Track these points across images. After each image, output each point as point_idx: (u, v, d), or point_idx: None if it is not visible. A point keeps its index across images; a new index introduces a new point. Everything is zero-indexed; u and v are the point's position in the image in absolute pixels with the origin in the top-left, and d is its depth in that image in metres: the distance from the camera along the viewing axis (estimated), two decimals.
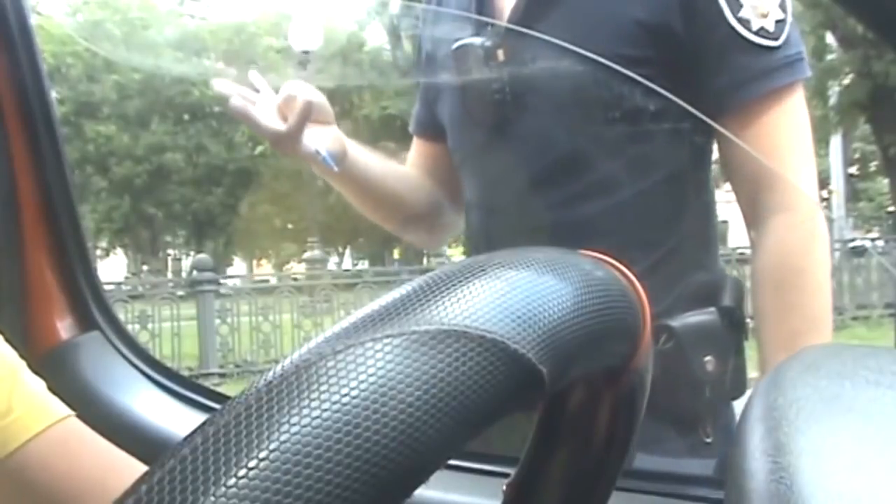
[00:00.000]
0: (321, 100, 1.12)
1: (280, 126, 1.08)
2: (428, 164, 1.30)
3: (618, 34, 1.04)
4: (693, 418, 1.06)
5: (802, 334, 1.02)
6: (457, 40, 1.12)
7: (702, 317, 1.06)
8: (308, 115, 1.08)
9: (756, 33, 1.02)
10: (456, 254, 9.00)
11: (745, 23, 1.02)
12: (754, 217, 1.07)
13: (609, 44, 1.02)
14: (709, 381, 1.05)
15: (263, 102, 1.10)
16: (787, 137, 1.05)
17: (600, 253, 0.41)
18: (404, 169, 1.31)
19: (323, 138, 1.11)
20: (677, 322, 1.04)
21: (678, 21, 1.03)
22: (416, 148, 1.32)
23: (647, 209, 1.08)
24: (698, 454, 1.06)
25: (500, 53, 1.08)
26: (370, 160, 1.22)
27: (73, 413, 0.80)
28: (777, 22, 1.03)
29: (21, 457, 0.73)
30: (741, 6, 1.02)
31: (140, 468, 0.68)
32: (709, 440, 1.06)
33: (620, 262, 0.41)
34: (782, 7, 1.04)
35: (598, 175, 1.08)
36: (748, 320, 1.10)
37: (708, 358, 1.04)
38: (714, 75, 1.04)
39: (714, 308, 1.07)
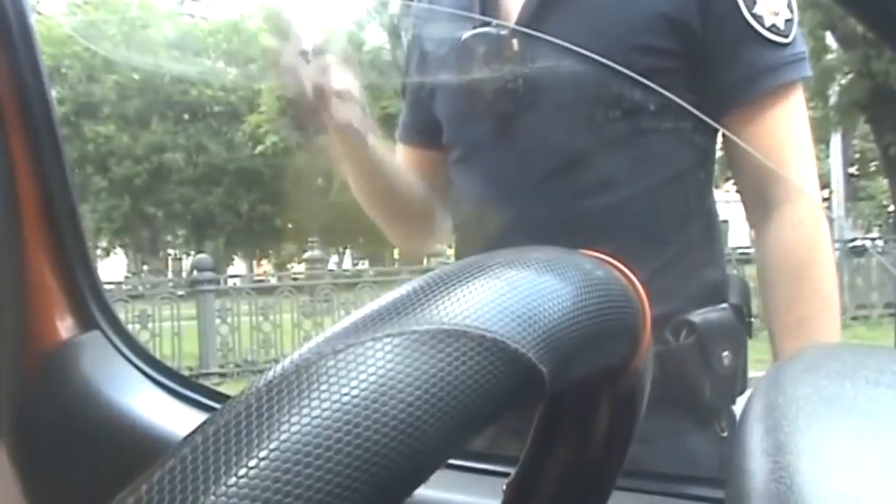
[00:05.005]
0: (349, 74, 1.12)
1: (310, 95, 1.07)
2: (416, 170, 1.28)
3: (640, 24, 1.06)
4: (710, 412, 1.08)
5: (815, 318, 1.05)
6: (465, 32, 1.11)
7: (718, 312, 1.08)
8: (344, 86, 1.09)
9: (769, 29, 1.06)
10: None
11: (758, 18, 1.05)
12: (761, 208, 1.09)
13: (630, 34, 1.05)
14: (725, 376, 1.06)
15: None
16: (792, 132, 1.09)
17: (603, 252, 0.41)
18: (405, 168, 1.31)
19: (353, 111, 1.11)
20: (697, 317, 1.06)
21: (695, 13, 1.06)
22: (405, 154, 1.31)
23: (660, 205, 1.09)
24: (715, 448, 1.07)
25: (515, 42, 1.08)
26: (386, 150, 1.22)
27: None
28: (786, 21, 1.07)
29: None
30: (755, 3, 1.05)
31: None
32: (724, 434, 1.07)
33: (621, 262, 0.41)
34: (790, 7, 1.08)
35: (614, 169, 1.08)
36: (752, 319, 1.11)
37: (725, 353, 1.06)
38: (726, 69, 1.07)
39: (727, 304, 1.09)
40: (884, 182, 16.02)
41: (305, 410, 0.27)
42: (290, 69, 1.07)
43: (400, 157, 1.31)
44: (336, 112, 1.09)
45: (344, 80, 1.09)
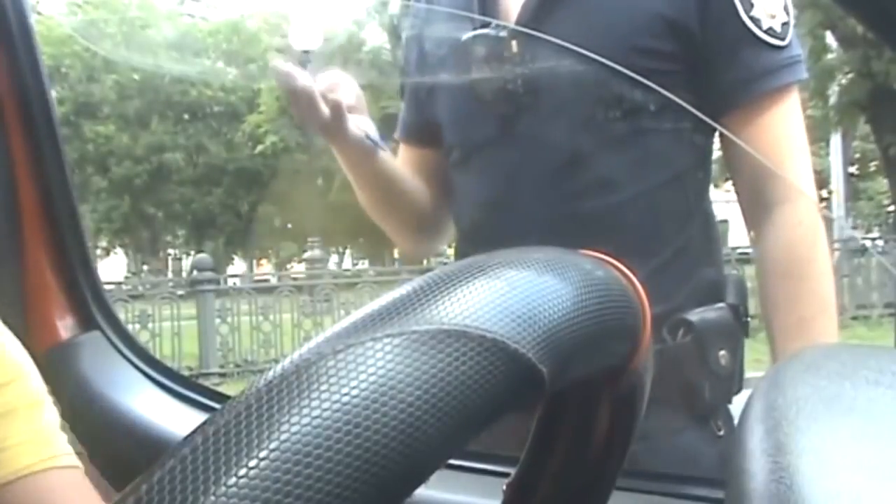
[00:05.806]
0: (357, 89, 1.12)
1: (325, 112, 1.07)
2: (418, 169, 1.28)
3: (640, 25, 1.07)
4: (707, 411, 1.08)
5: (814, 319, 1.06)
6: (465, 33, 1.11)
7: (716, 312, 1.08)
8: (354, 100, 1.09)
9: (766, 32, 1.07)
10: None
11: (756, 21, 1.06)
12: (760, 209, 1.10)
13: (630, 35, 1.06)
14: (722, 375, 1.07)
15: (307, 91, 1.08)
16: (789, 133, 1.10)
17: (603, 252, 0.41)
18: (408, 172, 1.30)
19: (365, 124, 1.12)
20: (695, 316, 1.06)
21: (693, 15, 1.06)
22: (405, 154, 1.30)
23: (660, 205, 1.09)
24: (711, 446, 1.07)
25: (514, 43, 1.09)
26: (391, 158, 1.22)
27: (78, 465, 0.75)
28: (783, 24, 1.08)
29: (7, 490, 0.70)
30: (753, 5, 1.06)
31: None
32: (721, 433, 1.08)
33: (621, 262, 0.41)
34: (786, 10, 1.09)
35: (614, 169, 1.08)
36: (749, 319, 1.12)
37: (722, 352, 1.06)
38: (723, 71, 1.08)
39: (724, 304, 1.09)
40: (884, 182, 16.02)
41: (305, 410, 0.27)
42: (291, 79, 1.05)
43: (400, 156, 1.30)
44: (349, 126, 1.09)
45: (353, 92, 1.10)
